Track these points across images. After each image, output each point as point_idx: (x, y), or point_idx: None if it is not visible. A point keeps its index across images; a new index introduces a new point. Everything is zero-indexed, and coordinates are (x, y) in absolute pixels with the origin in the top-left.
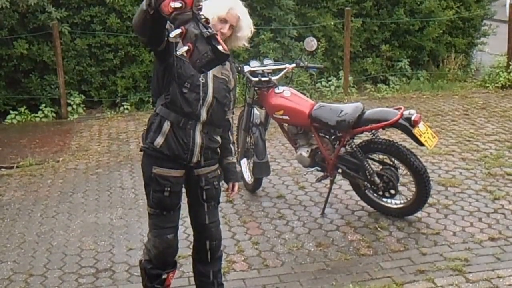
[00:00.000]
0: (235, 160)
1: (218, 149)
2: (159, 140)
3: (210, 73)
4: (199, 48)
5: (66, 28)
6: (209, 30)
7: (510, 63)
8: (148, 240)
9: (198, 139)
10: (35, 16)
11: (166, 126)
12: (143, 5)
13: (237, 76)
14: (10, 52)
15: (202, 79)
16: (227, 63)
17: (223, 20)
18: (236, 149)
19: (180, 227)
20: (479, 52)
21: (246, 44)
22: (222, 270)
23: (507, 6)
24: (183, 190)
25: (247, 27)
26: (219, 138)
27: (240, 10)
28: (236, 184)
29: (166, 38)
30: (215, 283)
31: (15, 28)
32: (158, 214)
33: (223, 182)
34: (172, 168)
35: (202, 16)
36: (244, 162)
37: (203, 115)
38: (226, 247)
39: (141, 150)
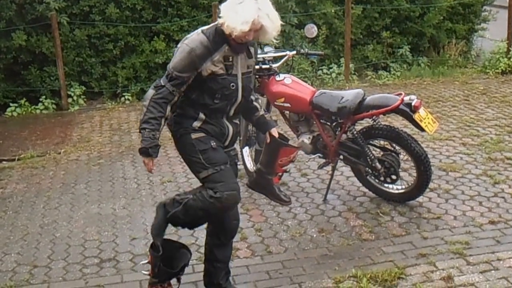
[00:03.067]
0: (263, 112)
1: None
2: (196, 124)
3: (239, 74)
4: None
5: (65, 19)
6: None
7: (510, 48)
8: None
9: (230, 127)
10: (33, 7)
11: (201, 115)
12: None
13: None
14: (8, 44)
15: (233, 86)
16: (251, 47)
17: (248, 31)
18: (259, 106)
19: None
20: (479, 38)
21: (274, 41)
22: None
23: None
24: None
25: (272, 30)
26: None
27: (263, 17)
28: (274, 129)
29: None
30: (227, 269)
31: (13, 19)
32: (217, 171)
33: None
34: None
35: None
36: (246, 150)
37: (231, 113)
38: None
39: (174, 135)
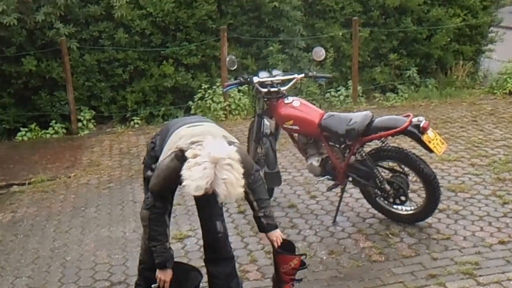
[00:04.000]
0: (260, 214)
1: None
2: None
3: None
4: None
5: (75, 44)
6: None
7: None
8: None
9: None
10: (43, 33)
11: None
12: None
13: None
14: (19, 69)
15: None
16: None
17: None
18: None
19: (192, 238)
20: (486, 59)
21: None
22: (239, 278)
23: None
24: None
25: (226, 197)
26: None
27: (217, 184)
28: (272, 233)
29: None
30: (227, 286)
31: (23, 45)
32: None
33: None
34: None
35: None
36: None
37: None
38: (239, 257)
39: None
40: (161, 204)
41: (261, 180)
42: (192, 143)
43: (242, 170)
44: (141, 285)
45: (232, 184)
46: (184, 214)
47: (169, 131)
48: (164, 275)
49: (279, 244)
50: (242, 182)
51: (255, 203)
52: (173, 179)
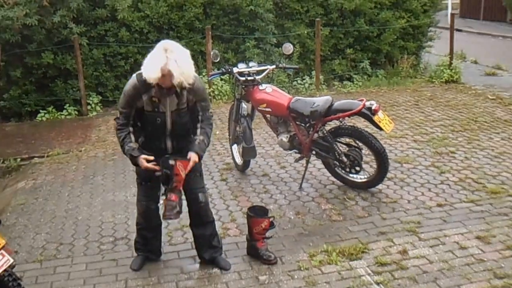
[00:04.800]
0: (201, 139)
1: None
2: (140, 141)
3: (168, 111)
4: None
5: (85, 41)
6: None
7: (451, 62)
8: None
9: (169, 144)
10: (59, 32)
11: (141, 139)
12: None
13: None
14: (39, 62)
15: (159, 120)
16: (185, 92)
17: (162, 77)
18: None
19: (184, 201)
20: (426, 54)
21: (187, 85)
22: (219, 236)
23: (449, 15)
24: None
25: (179, 74)
26: (191, 137)
27: (171, 63)
28: (192, 154)
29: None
30: (210, 245)
31: (42, 41)
32: (140, 185)
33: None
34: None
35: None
36: (234, 147)
37: (168, 136)
38: (221, 217)
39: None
40: (122, 120)
41: (212, 124)
42: None
43: (189, 54)
44: (139, 242)
45: (182, 61)
46: None
47: None
48: (143, 164)
49: (191, 165)
50: (192, 62)
51: (198, 130)
52: (133, 95)
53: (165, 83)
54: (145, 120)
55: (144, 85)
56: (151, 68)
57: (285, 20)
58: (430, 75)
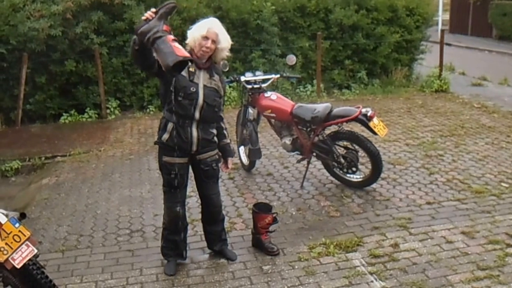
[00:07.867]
0: (229, 141)
1: (215, 138)
2: (165, 136)
3: (201, 83)
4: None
5: (105, 51)
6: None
7: (441, 73)
8: (163, 212)
9: (194, 133)
10: (81, 42)
11: (170, 126)
12: (131, 44)
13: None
14: (62, 69)
15: (193, 89)
16: (216, 75)
17: (205, 38)
18: (227, 134)
19: (194, 197)
20: (418, 65)
21: (228, 54)
22: (225, 230)
23: (439, 31)
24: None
25: (225, 40)
26: (214, 130)
27: (217, 28)
28: (230, 159)
29: (156, 65)
30: (220, 238)
31: (66, 51)
32: (168, 192)
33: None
34: (177, 156)
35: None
36: (241, 149)
37: (196, 115)
38: (229, 212)
39: (155, 144)
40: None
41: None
42: None
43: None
44: (166, 247)
45: (224, 33)
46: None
47: None
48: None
49: (229, 167)
50: (229, 39)
51: (225, 132)
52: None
53: (205, 48)
54: (178, 90)
55: None
56: (197, 28)
57: (289, 34)
58: (421, 85)
